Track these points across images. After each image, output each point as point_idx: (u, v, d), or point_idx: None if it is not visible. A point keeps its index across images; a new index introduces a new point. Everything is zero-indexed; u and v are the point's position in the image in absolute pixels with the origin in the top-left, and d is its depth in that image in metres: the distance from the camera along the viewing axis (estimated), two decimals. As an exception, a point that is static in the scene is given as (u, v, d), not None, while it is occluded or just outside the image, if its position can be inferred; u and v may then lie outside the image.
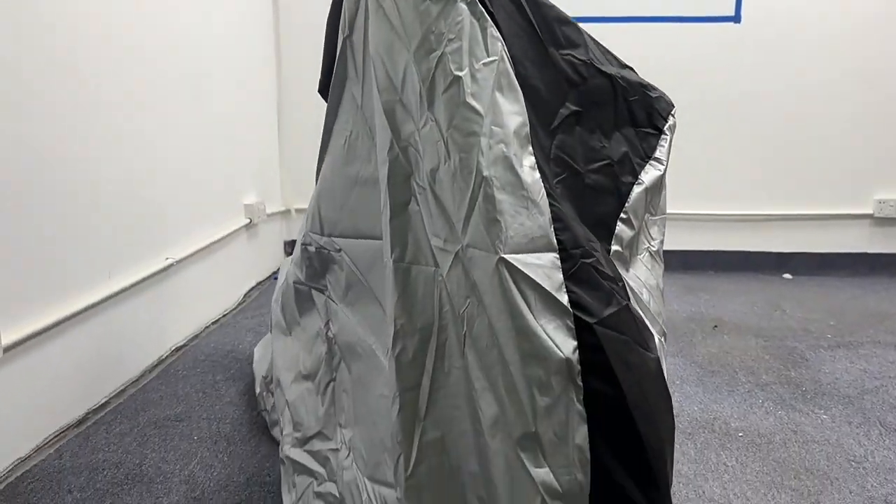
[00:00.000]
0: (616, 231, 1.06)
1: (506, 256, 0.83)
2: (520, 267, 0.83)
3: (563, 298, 0.84)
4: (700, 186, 3.71)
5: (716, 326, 2.88)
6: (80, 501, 1.56)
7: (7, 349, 1.64)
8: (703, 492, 1.63)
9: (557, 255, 0.86)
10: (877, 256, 3.70)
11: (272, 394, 1.82)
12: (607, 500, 0.80)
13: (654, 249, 1.17)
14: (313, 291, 1.28)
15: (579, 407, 0.82)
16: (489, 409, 0.82)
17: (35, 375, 1.79)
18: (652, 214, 1.19)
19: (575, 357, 0.82)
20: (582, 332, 0.83)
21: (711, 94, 3.61)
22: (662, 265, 1.18)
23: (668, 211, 1.25)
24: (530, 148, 0.88)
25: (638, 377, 0.84)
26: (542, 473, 0.80)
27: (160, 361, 2.39)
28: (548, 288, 0.83)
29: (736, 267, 3.81)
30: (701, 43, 3.58)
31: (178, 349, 2.52)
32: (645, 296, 1.06)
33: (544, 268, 0.84)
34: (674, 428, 0.89)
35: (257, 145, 3.44)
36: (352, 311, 1.14)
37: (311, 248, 1.24)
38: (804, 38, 3.54)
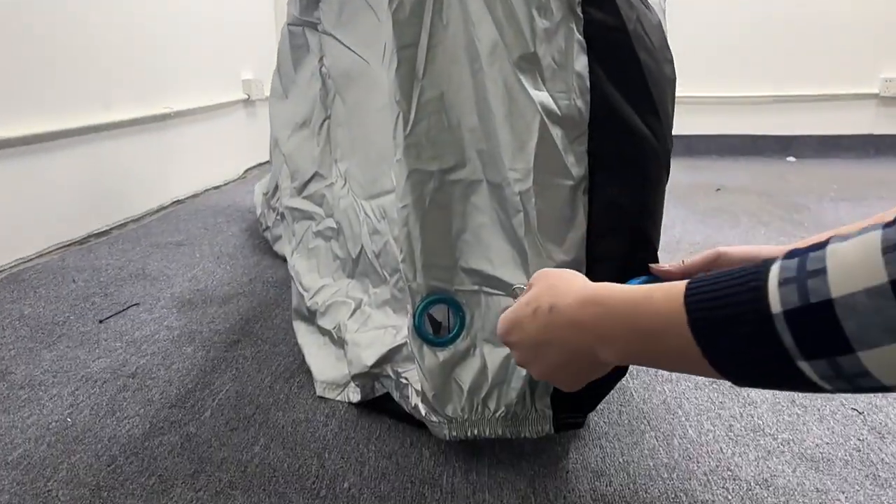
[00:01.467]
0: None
1: None
2: None
3: (562, -70, 0.82)
4: (701, 68, 3.65)
5: (719, 189, 2.87)
6: (83, 289, 1.57)
7: (2, 144, 1.64)
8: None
9: None
10: (882, 138, 3.65)
11: (273, 210, 1.82)
12: (606, 126, 0.80)
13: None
14: (306, 30, 1.26)
15: (579, 37, 0.81)
16: (487, 37, 0.81)
17: (36, 184, 1.79)
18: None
19: (575, -14, 0.81)
20: (581, -35, 0.82)
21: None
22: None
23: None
24: None
25: (639, 15, 0.83)
26: (541, 96, 0.79)
27: (162, 208, 2.39)
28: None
29: (739, 151, 3.78)
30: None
31: (178, 202, 2.52)
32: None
33: None
34: (675, 79, 0.88)
35: (254, 24, 3.38)
36: (345, 33, 1.12)
37: (304, -30, 1.22)
38: None
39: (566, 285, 0.60)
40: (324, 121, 1.22)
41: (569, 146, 0.80)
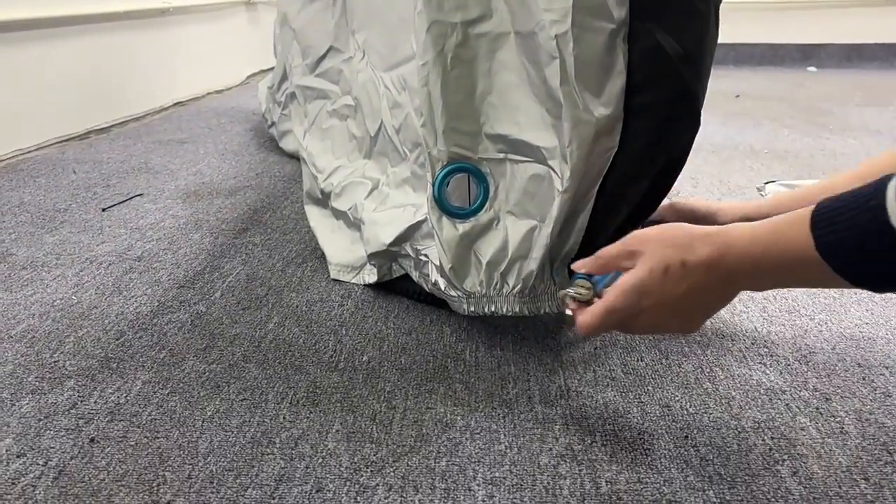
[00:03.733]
0: None
1: None
2: None
3: None
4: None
5: (738, 96, 2.77)
6: (84, 180, 1.52)
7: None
8: (729, 180, 1.57)
9: None
10: (908, 47, 3.51)
11: (279, 104, 1.74)
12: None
13: None
14: None
15: None
16: None
17: (32, 75, 1.71)
18: None
19: None
20: None
21: None
22: None
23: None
24: None
25: None
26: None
27: (163, 108, 2.31)
28: None
29: (758, 60, 3.64)
30: None
31: (180, 103, 2.44)
32: None
33: None
34: None
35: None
36: None
37: None
38: None
39: (683, 238, 0.58)
40: (339, -12, 1.13)
41: (610, -14, 0.73)
